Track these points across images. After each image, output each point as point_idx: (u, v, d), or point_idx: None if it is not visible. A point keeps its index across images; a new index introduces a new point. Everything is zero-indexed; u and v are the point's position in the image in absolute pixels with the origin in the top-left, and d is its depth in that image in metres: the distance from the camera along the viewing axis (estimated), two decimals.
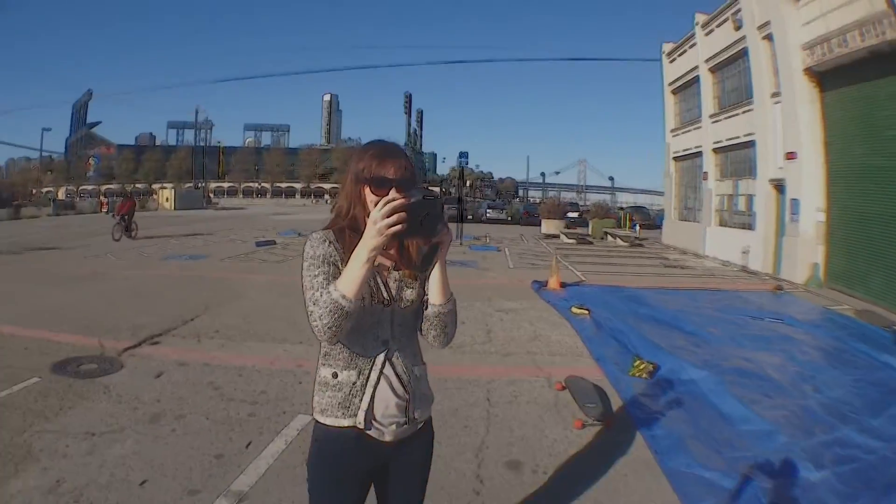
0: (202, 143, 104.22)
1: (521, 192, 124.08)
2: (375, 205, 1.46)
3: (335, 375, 1.66)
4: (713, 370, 5.50)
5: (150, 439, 3.81)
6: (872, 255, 10.63)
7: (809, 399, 4.88)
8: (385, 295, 1.64)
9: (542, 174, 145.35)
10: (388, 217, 1.41)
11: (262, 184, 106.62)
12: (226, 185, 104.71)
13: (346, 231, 1.63)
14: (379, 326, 1.66)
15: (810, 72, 12.38)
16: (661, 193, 28.97)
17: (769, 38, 14.09)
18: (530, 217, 34.89)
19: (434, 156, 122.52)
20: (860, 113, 11.09)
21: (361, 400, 1.64)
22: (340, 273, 1.53)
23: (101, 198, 49.83)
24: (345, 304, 1.46)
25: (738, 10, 15.91)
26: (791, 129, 12.99)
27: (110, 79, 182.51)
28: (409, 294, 1.68)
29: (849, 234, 11.56)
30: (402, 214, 1.42)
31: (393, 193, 1.52)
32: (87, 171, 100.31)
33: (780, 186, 13.92)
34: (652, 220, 34.23)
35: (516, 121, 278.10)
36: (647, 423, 4.30)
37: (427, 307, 1.68)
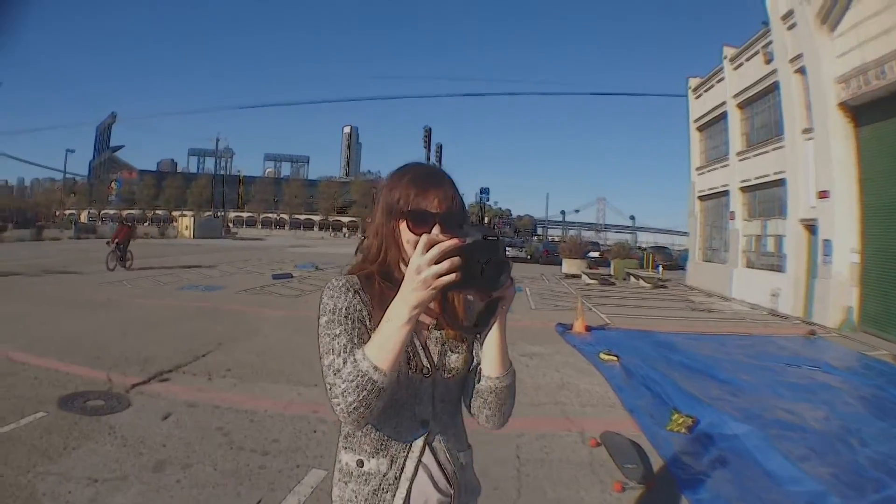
0: (222, 172, 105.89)
1: (539, 230, 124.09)
2: (415, 245, 1.11)
3: (360, 464, 1.31)
4: (755, 423, 5.19)
5: (154, 490, 3.54)
6: None
7: (856, 453, 4.65)
8: (425, 362, 1.29)
9: (563, 212, 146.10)
10: (436, 263, 1.07)
11: (281, 215, 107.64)
12: (245, 214, 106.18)
13: (376, 278, 1.29)
14: (417, 402, 1.30)
15: (845, 106, 12.08)
16: (681, 233, 28.77)
17: (801, 71, 13.80)
18: (550, 256, 34.46)
19: None
20: None
21: (394, 496, 1.28)
22: (368, 332, 1.21)
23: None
24: (377, 379, 1.11)
25: (769, 43, 15.66)
26: (824, 167, 12.64)
27: (133, 102, 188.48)
28: (455, 360, 1.32)
29: (883, 275, 11.16)
30: (457, 260, 1.07)
31: (436, 231, 1.20)
32: (109, 194, 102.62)
33: (811, 227, 13.53)
34: (675, 261, 33.93)
35: (535, 157, 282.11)
36: (690, 485, 3.97)
37: (480, 380, 1.31)
